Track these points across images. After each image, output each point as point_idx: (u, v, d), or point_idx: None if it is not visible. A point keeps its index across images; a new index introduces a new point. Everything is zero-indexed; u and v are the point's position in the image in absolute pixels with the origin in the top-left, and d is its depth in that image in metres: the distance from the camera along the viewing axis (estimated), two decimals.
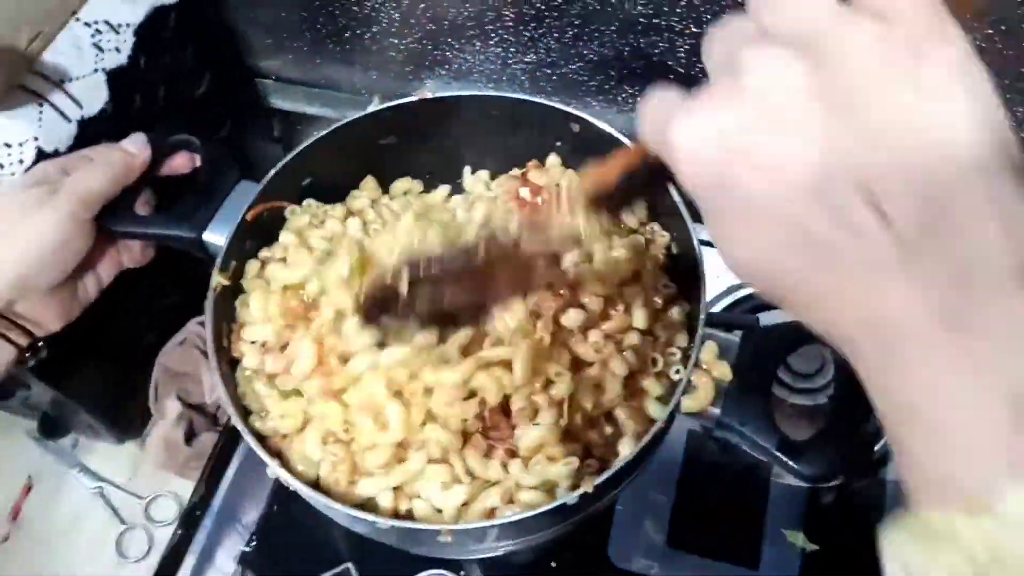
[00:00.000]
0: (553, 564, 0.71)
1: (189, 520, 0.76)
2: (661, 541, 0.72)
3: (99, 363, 0.78)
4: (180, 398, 0.81)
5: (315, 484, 0.53)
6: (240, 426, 0.53)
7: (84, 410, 0.79)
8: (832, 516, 0.73)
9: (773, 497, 0.73)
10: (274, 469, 0.53)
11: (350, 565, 0.71)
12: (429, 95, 0.67)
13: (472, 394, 0.52)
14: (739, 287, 0.84)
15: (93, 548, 0.85)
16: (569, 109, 0.66)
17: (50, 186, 0.57)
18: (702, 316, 0.54)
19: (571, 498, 0.49)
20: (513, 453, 0.52)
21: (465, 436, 0.53)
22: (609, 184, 0.37)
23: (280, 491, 0.76)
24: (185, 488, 0.87)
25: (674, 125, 0.29)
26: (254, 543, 0.76)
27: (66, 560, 0.84)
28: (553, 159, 0.71)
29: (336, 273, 0.55)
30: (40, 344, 0.59)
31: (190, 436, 0.81)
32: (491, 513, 0.50)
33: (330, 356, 0.56)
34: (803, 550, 0.70)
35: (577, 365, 0.55)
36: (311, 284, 0.59)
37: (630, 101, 0.85)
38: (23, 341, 0.57)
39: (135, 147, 0.61)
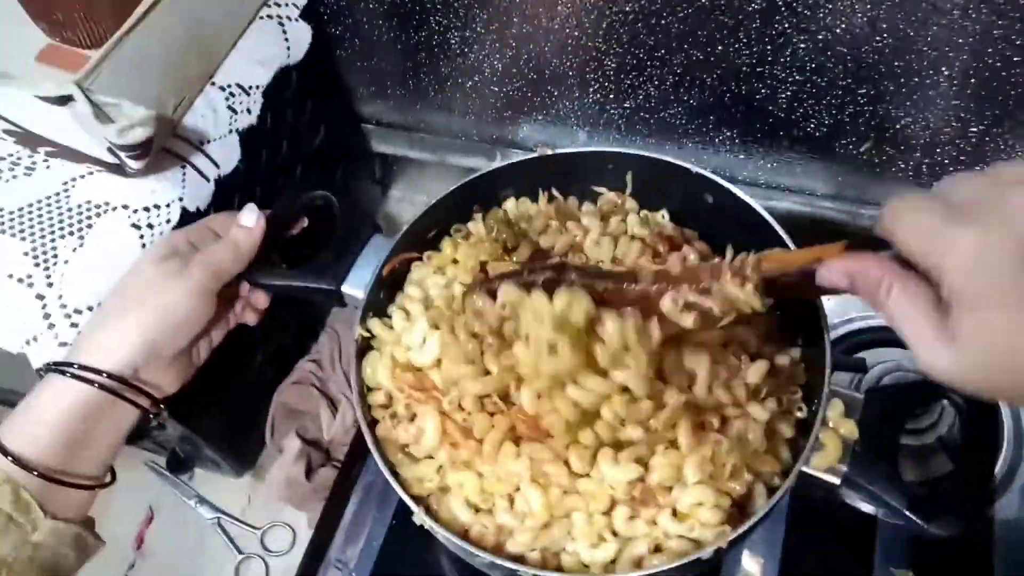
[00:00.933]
0: None
1: (313, 552, 0.80)
2: None
3: (223, 402, 0.83)
4: (299, 435, 0.84)
5: (462, 534, 0.56)
6: (388, 475, 0.56)
7: (209, 446, 0.83)
8: (941, 553, 0.74)
9: (881, 534, 0.74)
10: (421, 518, 0.56)
11: None
12: (548, 151, 0.69)
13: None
14: (838, 324, 0.85)
15: None
16: (705, 172, 0.67)
17: (182, 259, 0.60)
18: (828, 373, 0.56)
19: (706, 553, 0.51)
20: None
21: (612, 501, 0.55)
22: (789, 271, 0.39)
23: (399, 526, 0.79)
24: (297, 519, 0.91)
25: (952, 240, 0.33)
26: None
27: None
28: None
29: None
30: (161, 407, 0.62)
31: (308, 471, 0.84)
32: (639, 562, 0.53)
33: (456, 432, 0.57)
34: None
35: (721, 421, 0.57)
36: (422, 357, 0.61)
37: (727, 143, 0.87)
38: (147, 404, 0.60)
39: (250, 221, 0.64)
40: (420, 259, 0.68)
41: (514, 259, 0.65)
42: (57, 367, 0.56)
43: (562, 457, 0.54)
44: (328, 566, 0.80)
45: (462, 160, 1.00)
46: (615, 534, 0.54)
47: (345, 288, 0.65)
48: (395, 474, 0.58)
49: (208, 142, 0.72)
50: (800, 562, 0.74)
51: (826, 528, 0.75)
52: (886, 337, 0.84)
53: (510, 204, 0.73)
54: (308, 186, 0.72)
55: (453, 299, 0.64)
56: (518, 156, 0.73)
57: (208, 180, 0.71)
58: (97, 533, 0.59)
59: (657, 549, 0.53)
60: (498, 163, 0.71)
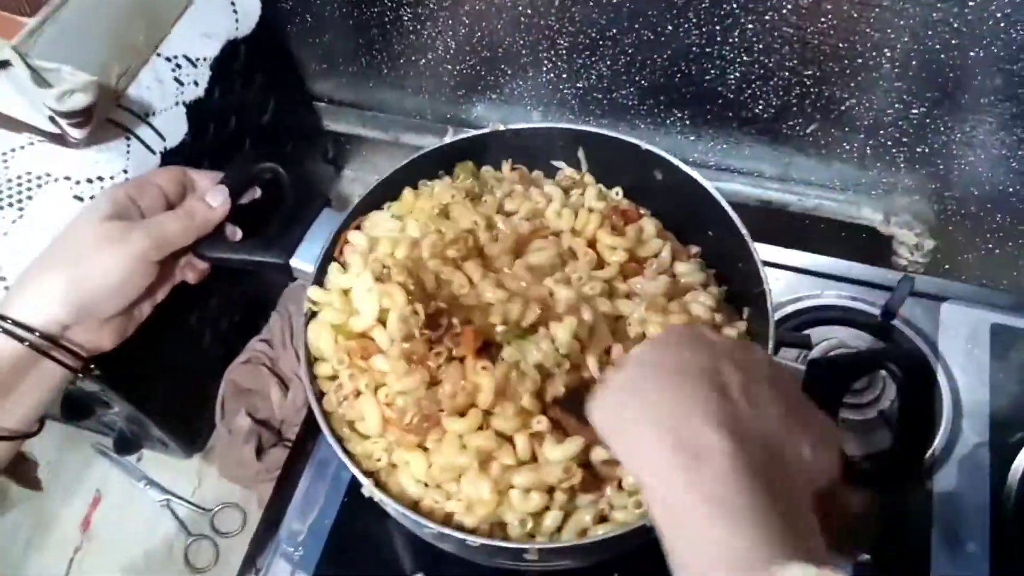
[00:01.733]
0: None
1: (263, 531, 0.79)
2: None
3: (172, 382, 0.82)
4: (249, 414, 0.84)
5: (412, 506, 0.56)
6: (336, 448, 0.56)
7: (157, 426, 0.82)
8: (882, 526, 0.76)
9: None
10: (370, 490, 0.55)
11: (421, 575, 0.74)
12: (501, 127, 0.69)
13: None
14: (786, 303, 0.87)
15: (161, 559, 0.88)
16: (653, 148, 0.68)
17: (126, 221, 0.58)
18: (770, 348, 0.57)
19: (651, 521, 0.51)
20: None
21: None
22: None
23: (351, 503, 0.79)
24: (248, 499, 0.90)
25: None
26: (325, 554, 0.78)
27: (136, 570, 0.87)
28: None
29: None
30: (91, 366, 0.61)
31: (259, 451, 0.84)
32: (584, 532, 0.53)
33: (397, 417, 0.56)
34: (854, 560, 0.73)
35: None
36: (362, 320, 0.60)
37: (678, 125, 0.88)
38: (74, 363, 0.58)
39: (216, 201, 0.63)
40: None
41: (477, 210, 0.64)
42: None
43: (506, 440, 0.54)
44: (278, 545, 0.79)
45: (416, 139, 1.00)
46: (561, 508, 0.54)
47: (294, 262, 0.64)
48: (344, 448, 0.58)
49: (153, 114, 0.70)
50: None
51: None
52: (833, 316, 0.86)
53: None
54: (261, 161, 0.71)
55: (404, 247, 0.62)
56: (481, 130, 0.72)
57: (154, 153, 0.70)
58: (36, 477, 0.58)
59: (603, 519, 0.54)
60: (450, 138, 0.71)
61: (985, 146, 0.77)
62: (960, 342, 0.83)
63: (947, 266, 0.89)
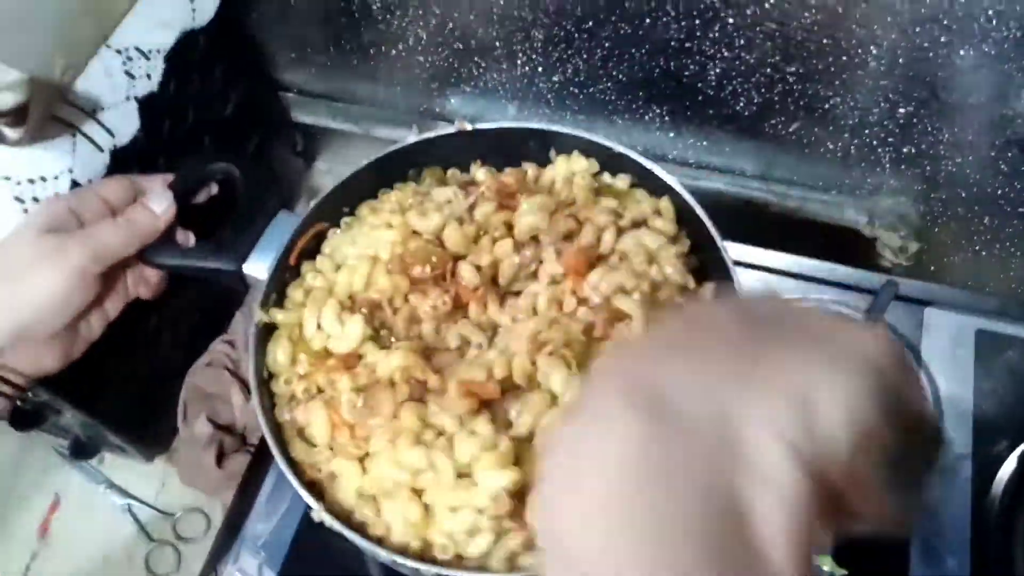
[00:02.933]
0: None
1: (222, 541, 0.76)
2: None
3: (127, 385, 0.79)
4: (210, 419, 0.81)
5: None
6: (284, 468, 0.54)
7: (113, 433, 0.79)
8: (860, 539, 0.74)
9: None
10: (319, 514, 0.53)
11: None
12: (468, 127, 0.66)
13: None
14: None
15: (122, 565, 0.86)
16: (628, 152, 0.65)
17: (64, 236, 0.54)
18: None
19: None
20: None
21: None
22: None
23: None
24: (212, 504, 0.88)
25: None
26: (288, 562, 0.76)
27: None
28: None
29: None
30: (27, 393, 0.57)
31: (220, 457, 0.81)
32: (513, 558, 0.51)
33: (345, 428, 0.55)
34: (832, 575, 0.71)
35: None
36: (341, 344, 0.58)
37: (657, 121, 0.84)
38: (11, 392, 0.56)
39: (160, 206, 0.59)
40: (337, 227, 0.65)
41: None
42: None
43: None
44: (240, 553, 0.76)
45: (389, 132, 0.96)
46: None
47: (247, 268, 0.61)
48: (291, 461, 0.55)
49: (102, 109, 0.67)
50: None
51: None
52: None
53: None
54: (219, 158, 0.67)
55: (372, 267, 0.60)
56: (445, 130, 0.69)
57: (102, 150, 0.67)
58: None
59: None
60: (414, 136, 0.68)
61: (973, 147, 0.74)
62: (944, 348, 0.81)
63: (932, 268, 0.87)
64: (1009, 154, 0.73)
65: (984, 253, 0.83)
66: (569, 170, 0.66)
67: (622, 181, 0.66)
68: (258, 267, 0.61)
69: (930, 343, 0.81)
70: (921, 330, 0.82)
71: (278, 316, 0.60)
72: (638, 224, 0.62)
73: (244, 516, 0.78)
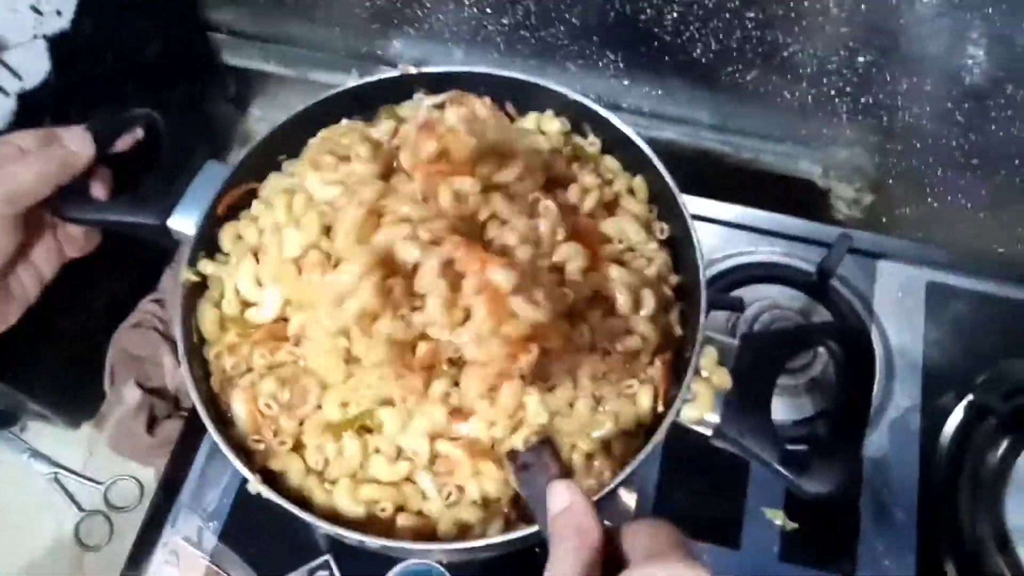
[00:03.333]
0: (537, 550, 0.70)
1: (157, 509, 0.73)
2: None
3: (47, 350, 0.74)
4: (139, 384, 0.76)
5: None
6: (219, 441, 0.50)
7: (32, 399, 0.74)
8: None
9: (753, 476, 0.74)
10: (256, 486, 0.50)
11: (329, 557, 0.69)
12: (413, 70, 0.62)
13: None
14: (718, 260, 0.83)
15: (50, 537, 0.81)
16: (583, 100, 0.61)
17: None
18: (702, 319, 0.52)
19: None
20: None
21: None
22: None
23: None
24: (145, 471, 0.84)
25: None
26: (227, 532, 0.73)
27: (24, 551, 0.81)
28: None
29: None
30: None
31: (152, 422, 0.77)
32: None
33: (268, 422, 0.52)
34: (783, 528, 0.71)
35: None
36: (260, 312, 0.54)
37: (611, 68, 0.81)
38: None
39: (77, 144, 0.54)
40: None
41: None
42: None
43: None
44: (177, 521, 0.73)
45: (328, 77, 0.91)
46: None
47: (172, 223, 0.56)
48: (227, 432, 0.52)
49: (6, 48, 0.61)
50: (674, 497, 0.73)
51: (700, 464, 0.74)
52: (766, 274, 0.82)
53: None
54: (142, 104, 0.62)
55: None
56: (387, 73, 0.65)
57: (7, 94, 0.61)
58: None
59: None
60: (354, 80, 0.63)
61: (930, 97, 0.73)
62: (895, 300, 0.81)
63: (884, 221, 0.86)
64: (965, 105, 0.72)
65: (936, 205, 0.83)
66: (538, 127, 0.62)
67: (592, 145, 0.62)
68: (184, 222, 0.56)
69: (881, 295, 0.81)
70: (873, 283, 0.81)
71: (208, 268, 0.55)
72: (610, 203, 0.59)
73: (180, 483, 0.74)
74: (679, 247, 0.59)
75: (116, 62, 0.71)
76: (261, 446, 0.52)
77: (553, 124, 0.61)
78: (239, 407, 0.51)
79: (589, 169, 0.58)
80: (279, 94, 0.99)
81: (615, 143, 0.61)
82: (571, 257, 0.51)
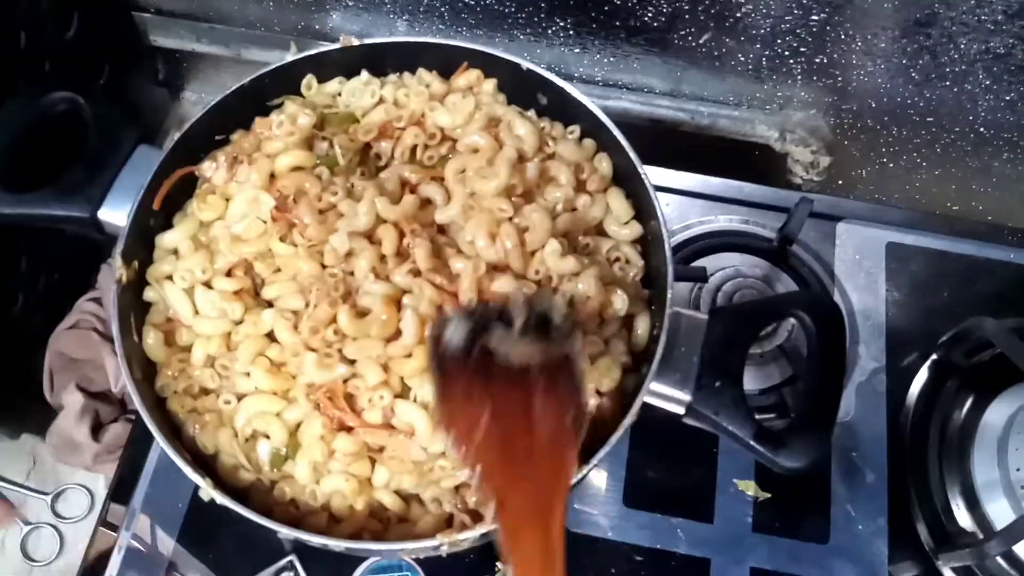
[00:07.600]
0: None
1: (111, 516, 0.69)
2: (617, 501, 0.71)
3: None
4: (81, 388, 0.72)
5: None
6: (168, 449, 0.47)
7: None
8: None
9: (723, 449, 0.73)
10: (208, 492, 0.47)
11: (293, 558, 0.66)
12: (355, 42, 0.58)
13: None
14: (678, 230, 0.81)
15: None
16: (536, 68, 0.58)
17: None
18: (669, 294, 0.51)
19: None
20: None
21: None
22: None
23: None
24: (94, 479, 0.80)
25: None
26: (186, 536, 0.69)
27: None
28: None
29: None
30: None
31: (97, 428, 0.72)
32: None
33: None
34: (755, 499, 0.70)
35: None
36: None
37: (561, 35, 0.79)
38: None
39: None
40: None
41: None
42: None
43: None
44: (134, 520, 0.69)
45: (265, 55, 0.87)
46: None
47: (103, 215, 0.53)
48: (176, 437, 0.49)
49: None
50: (645, 473, 0.72)
51: (670, 439, 0.73)
52: (728, 242, 0.81)
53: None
54: (63, 89, 0.57)
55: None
56: (327, 46, 0.61)
57: None
58: None
59: None
60: (292, 55, 0.60)
61: (886, 55, 0.72)
62: (855, 262, 0.80)
63: (840, 182, 0.86)
64: (920, 62, 0.72)
65: (892, 165, 0.82)
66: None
67: (572, 135, 0.59)
68: (116, 213, 0.53)
69: (842, 258, 0.80)
70: (833, 245, 0.81)
71: (150, 294, 0.53)
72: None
73: (131, 488, 0.70)
74: (643, 218, 0.57)
75: (30, 43, 0.66)
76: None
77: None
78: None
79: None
80: (214, 75, 0.94)
81: (569, 113, 0.59)
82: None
